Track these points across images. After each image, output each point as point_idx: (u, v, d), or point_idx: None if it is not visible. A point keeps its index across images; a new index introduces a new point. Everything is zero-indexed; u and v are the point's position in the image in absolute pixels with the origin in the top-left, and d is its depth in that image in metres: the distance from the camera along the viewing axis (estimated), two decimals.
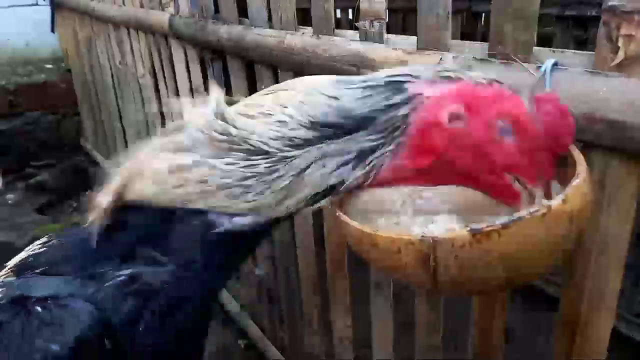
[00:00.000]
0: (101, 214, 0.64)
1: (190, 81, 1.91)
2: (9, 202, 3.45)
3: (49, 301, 0.60)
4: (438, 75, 0.57)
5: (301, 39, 1.13)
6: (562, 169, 0.59)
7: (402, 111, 0.56)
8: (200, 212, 0.61)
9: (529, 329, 2.09)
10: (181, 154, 0.60)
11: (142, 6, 2.17)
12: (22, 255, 0.74)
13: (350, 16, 3.39)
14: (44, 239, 0.76)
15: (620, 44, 0.60)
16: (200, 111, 0.60)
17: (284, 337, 1.82)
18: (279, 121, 0.58)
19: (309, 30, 1.17)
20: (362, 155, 0.57)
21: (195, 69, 1.84)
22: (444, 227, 0.59)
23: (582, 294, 0.73)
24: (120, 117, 2.98)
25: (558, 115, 0.55)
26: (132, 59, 2.49)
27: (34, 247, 0.74)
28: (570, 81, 0.64)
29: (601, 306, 0.73)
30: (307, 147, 0.57)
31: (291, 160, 0.58)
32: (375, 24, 0.97)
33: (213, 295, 0.76)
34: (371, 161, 0.58)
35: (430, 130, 0.56)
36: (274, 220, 0.62)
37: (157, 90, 2.32)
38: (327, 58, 1.04)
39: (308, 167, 0.58)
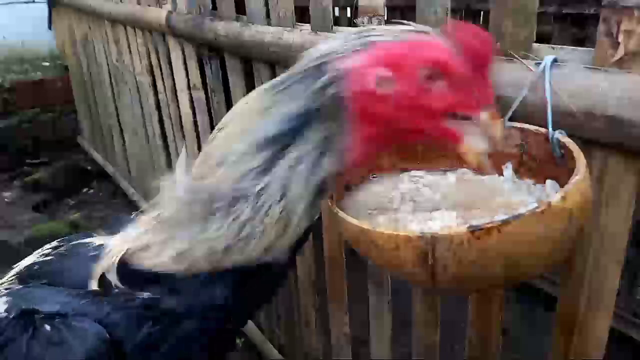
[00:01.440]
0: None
1: (187, 78, 1.91)
2: (5, 200, 3.44)
3: (57, 319, 0.60)
4: (351, 44, 0.56)
5: (299, 35, 1.13)
6: (562, 166, 0.59)
7: (331, 91, 0.55)
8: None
9: (526, 327, 2.09)
10: (172, 233, 0.61)
11: (139, 3, 2.16)
12: (28, 260, 0.74)
13: (349, 14, 3.39)
14: (53, 244, 0.75)
15: (620, 39, 0.59)
16: (172, 195, 0.61)
17: (282, 336, 1.82)
18: (234, 162, 0.58)
19: (307, 27, 1.16)
20: (322, 147, 0.57)
21: (193, 66, 1.83)
22: (443, 224, 0.59)
23: (580, 292, 0.73)
24: (117, 115, 2.97)
25: (471, 36, 0.54)
26: (129, 57, 2.48)
27: (42, 253, 0.73)
28: (569, 77, 0.64)
29: (599, 305, 0.72)
30: (271, 167, 0.57)
31: (267, 188, 0.57)
32: (374, 20, 0.96)
33: (235, 329, 0.75)
34: (333, 147, 0.57)
35: (363, 100, 0.55)
36: (293, 246, 0.61)
37: (154, 87, 2.31)
38: None
39: (286, 185, 0.57)
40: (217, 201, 0.58)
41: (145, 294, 0.63)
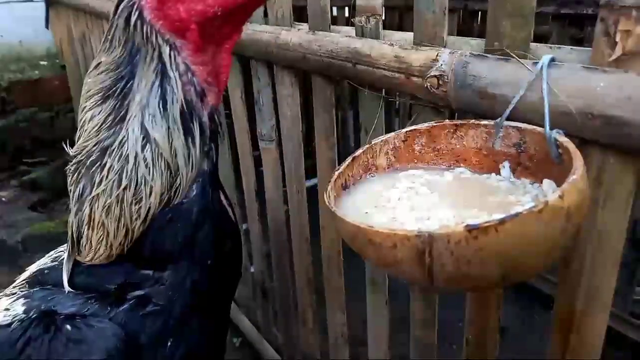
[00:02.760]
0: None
1: None
2: (2, 199, 3.43)
3: (77, 319, 0.61)
4: None
5: (297, 34, 1.13)
6: (559, 165, 0.59)
7: (136, 19, 0.59)
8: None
9: (523, 327, 2.10)
10: (78, 207, 0.66)
11: None
12: (39, 264, 0.75)
13: (347, 14, 3.39)
14: (62, 248, 0.76)
15: (618, 39, 0.59)
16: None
17: (279, 335, 1.82)
18: (90, 119, 0.64)
19: (304, 26, 1.16)
20: (161, 75, 0.59)
21: None
22: (440, 223, 0.59)
23: (578, 292, 0.73)
24: None
25: None
26: None
27: (53, 257, 0.75)
28: (567, 77, 0.64)
29: (597, 304, 0.72)
30: (122, 115, 0.60)
31: (127, 137, 0.60)
32: (372, 20, 0.96)
33: (214, 285, 0.75)
34: (172, 71, 0.59)
35: (165, 11, 0.58)
36: (202, 183, 0.64)
37: None
38: (322, 54, 1.03)
39: (144, 128, 0.60)
40: (88, 158, 0.62)
41: (136, 293, 0.64)
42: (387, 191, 0.67)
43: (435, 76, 0.78)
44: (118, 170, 0.60)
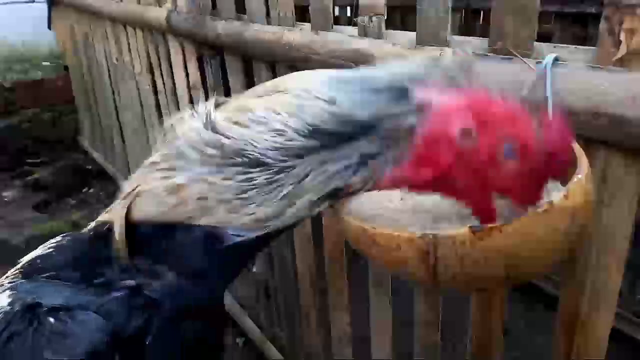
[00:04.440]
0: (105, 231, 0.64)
1: (187, 78, 1.90)
2: (6, 199, 3.44)
3: (61, 312, 0.60)
4: (445, 79, 0.54)
5: (300, 34, 1.13)
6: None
7: (410, 121, 0.53)
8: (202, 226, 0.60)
9: (527, 327, 2.09)
10: (176, 172, 0.59)
11: (139, 2, 2.16)
12: (31, 255, 0.74)
13: (349, 13, 3.38)
14: (57, 239, 0.75)
15: (622, 38, 0.59)
16: (191, 125, 0.59)
17: (282, 335, 1.82)
18: (275, 130, 0.56)
19: (307, 26, 1.16)
20: (363, 162, 0.55)
21: (193, 65, 1.83)
22: (445, 224, 0.58)
23: (582, 292, 0.73)
24: (118, 114, 2.97)
25: (562, 142, 0.52)
26: (129, 56, 2.48)
27: (45, 248, 0.74)
28: (571, 76, 0.64)
29: (601, 304, 0.72)
30: (306, 156, 0.56)
31: (291, 170, 0.56)
32: (374, 19, 0.96)
33: (217, 304, 0.75)
34: (372, 167, 0.56)
35: (438, 144, 0.53)
36: (277, 230, 0.60)
37: (154, 87, 2.30)
38: (325, 54, 1.03)
39: (308, 175, 0.56)
40: (238, 155, 0.57)
41: (127, 282, 0.63)
42: (391, 192, 0.67)
43: None
44: (254, 185, 0.57)
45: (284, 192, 0.56)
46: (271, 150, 0.56)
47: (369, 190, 0.57)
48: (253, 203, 0.57)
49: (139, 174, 0.65)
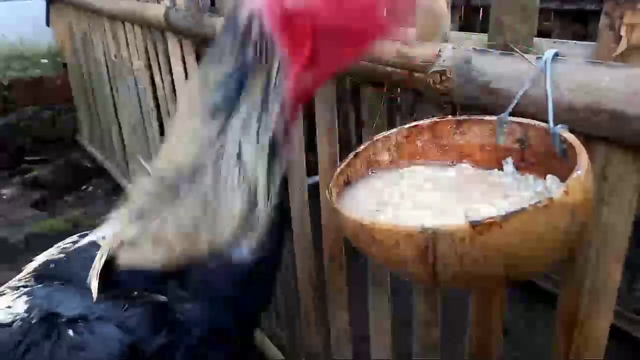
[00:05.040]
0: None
1: (186, 75, 1.90)
2: (4, 197, 3.43)
3: (79, 323, 0.59)
4: None
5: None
6: (563, 161, 0.58)
7: (254, 30, 0.55)
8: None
9: (527, 326, 2.09)
10: (143, 222, 0.61)
11: (138, 0, 2.15)
12: (44, 257, 0.73)
13: None
14: (74, 238, 0.74)
15: (622, 33, 0.58)
16: (139, 181, 0.63)
17: (282, 335, 1.81)
18: (190, 139, 0.58)
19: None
20: (265, 94, 0.56)
21: (192, 62, 1.82)
22: (444, 219, 0.58)
23: (582, 289, 0.73)
24: (116, 112, 2.96)
25: None
26: (128, 53, 2.47)
27: (58, 250, 0.73)
28: (571, 72, 0.63)
29: (600, 303, 0.72)
30: (222, 134, 0.57)
31: (223, 154, 0.57)
32: None
33: (243, 328, 0.74)
34: (274, 91, 0.56)
35: (285, 23, 0.54)
36: (271, 234, 0.60)
37: (152, 84, 2.30)
38: None
39: (239, 146, 0.57)
40: (181, 181, 0.58)
41: (155, 297, 0.62)
42: (390, 187, 0.67)
43: (438, 72, 0.77)
44: (205, 188, 0.57)
45: (236, 178, 0.57)
46: (195, 158, 0.58)
47: (295, 103, 0.58)
48: (221, 206, 0.57)
49: (121, 227, 0.65)
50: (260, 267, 0.63)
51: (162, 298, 0.62)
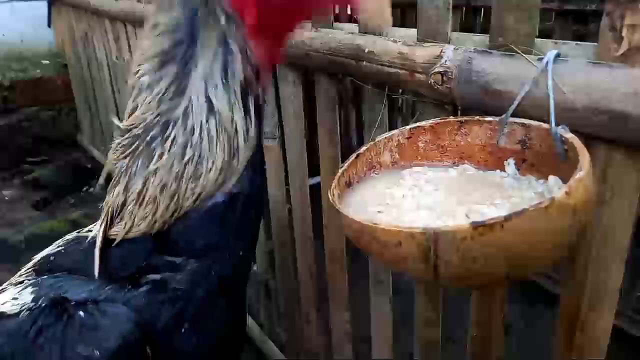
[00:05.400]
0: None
1: None
2: (5, 198, 3.43)
3: (89, 305, 0.60)
4: None
5: (300, 32, 1.12)
6: (565, 161, 0.59)
7: None
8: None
9: (528, 325, 2.09)
10: (127, 183, 0.62)
11: (139, 0, 2.16)
12: (43, 254, 0.73)
13: (349, 10, 3.37)
14: (73, 235, 0.75)
15: (624, 33, 0.59)
16: (113, 144, 0.63)
17: (282, 333, 1.81)
18: (147, 86, 0.58)
19: (307, 23, 1.16)
20: (224, 46, 0.55)
21: None
22: (445, 220, 0.58)
23: (583, 289, 0.73)
24: (118, 113, 2.97)
25: None
26: (129, 54, 2.47)
27: (55, 247, 0.73)
28: (572, 72, 0.63)
29: (602, 301, 0.72)
30: (185, 84, 0.56)
31: (191, 107, 0.56)
32: None
33: (238, 273, 0.73)
34: (233, 44, 0.55)
35: None
36: (251, 168, 0.60)
37: None
38: (325, 51, 1.03)
39: (208, 99, 0.56)
40: (149, 132, 0.57)
41: (151, 277, 0.63)
42: (392, 188, 0.67)
43: (439, 72, 0.78)
44: (182, 143, 0.56)
45: (213, 128, 0.56)
46: (159, 104, 0.57)
47: (262, 60, 0.57)
48: (202, 157, 0.57)
49: (106, 200, 0.65)
50: (241, 204, 0.62)
51: (157, 277, 0.62)
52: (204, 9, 0.55)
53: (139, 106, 0.59)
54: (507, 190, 0.62)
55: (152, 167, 0.58)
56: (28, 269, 0.72)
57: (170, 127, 0.57)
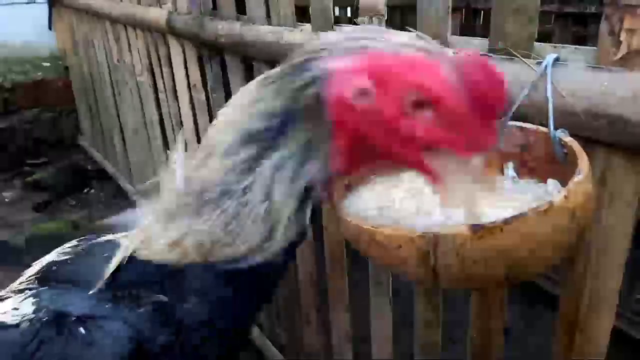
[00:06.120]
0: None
1: (188, 78, 1.90)
2: (6, 200, 3.44)
3: (89, 321, 0.60)
4: (344, 44, 0.52)
5: (300, 35, 1.13)
6: (564, 165, 0.59)
7: (311, 92, 0.52)
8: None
9: (528, 327, 2.09)
10: (169, 226, 0.61)
11: (139, 3, 2.16)
12: (46, 260, 0.73)
13: (349, 14, 3.39)
14: (73, 243, 0.75)
15: (622, 37, 0.59)
16: (170, 187, 0.62)
17: (283, 335, 1.81)
18: (222, 154, 0.57)
19: (307, 26, 1.16)
20: (306, 150, 0.55)
21: (193, 66, 1.83)
22: (445, 223, 0.58)
23: (583, 291, 0.73)
24: (118, 115, 2.97)
25: (486, 79, 0.49)
26: (130, 57, 2.48)
27: (61, 252, 0.73)
28: (571, 76, 0.64)
29: (601, 304, 0.72)
30: (255, 166, 0.56)
31: (251, 187, 0.56)
32: (374, 19, 0.96)
33: (243, 328, 0.75)
34: (317, 151, 0.55)
35: (339, 108, 0.52)
36: (283, 252, 0.60)
37: (154, 87, 2.31)
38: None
39: (271, 188, 0.56)
40: (207, 193, 0.58)
41: (157, 298, 0.63)
42: (391, 191, 0.67)
43: None
44: (231, 215, 0.58)
45: (261, 211, 0.57)
46: (223, 176, 0.57)
47: (338, 175, 0.57)
48: (240, 234, 0.58)
49: (145, 226, 0.66)
50: (263, 276, 0.63)
51: (163, 298, 0.63)
52: (305, 111, 0.54)
53: (206, 167, 0.60)
54: (507, 194, 0.63)
55: (195, 227, 0.59)
56: (30, 276, 0.72)
57: (225, 198, 0.58)
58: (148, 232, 0.64)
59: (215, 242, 0.59)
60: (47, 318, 0.60)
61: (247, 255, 0.59)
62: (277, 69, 0.57)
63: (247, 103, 0.58)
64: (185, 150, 0.64)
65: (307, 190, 0.57)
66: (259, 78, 0.60)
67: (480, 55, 0.52)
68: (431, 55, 0.50)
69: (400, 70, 0.50)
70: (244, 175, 0.57)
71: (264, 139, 0.56)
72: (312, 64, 0.53)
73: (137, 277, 0.64)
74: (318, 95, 0.52)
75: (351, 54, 0.51)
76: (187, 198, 0.60)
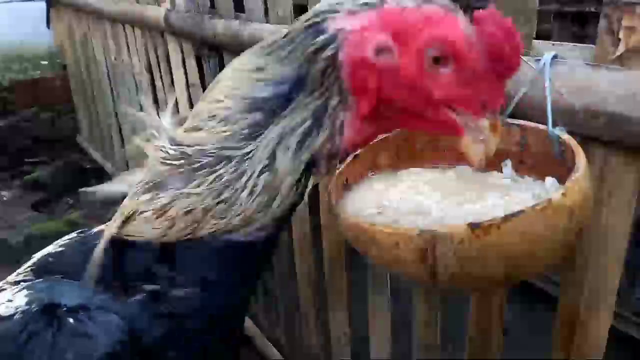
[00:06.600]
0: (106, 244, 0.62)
1: (186, 77, 1.90)
2: (4, 199, 3.43)
3: (80, 312, 0.59)
4: (359, 3, 0.50)
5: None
6: (562, 162, 0.59)
7: (326, 55, 0.50)
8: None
9: (526, 327, 2.09)
10: (159, 192, 0.59)
11: (137, 1, 2.16)
12: (43, 252, 0.73)
13: None
14: (71, 236, 0.74)
15: (621, 36, 0.59)
16: (156, 145, 0.59)
17: (282, 335, 1.81)
18: (222, 119, 0.55)
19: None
20: (317, 118, 0.53)
21: (192, 64, 1.83)
22: (443, 221, 0.58)
23: (581, 292, 0.73)
24: (116, 114, 2.97)
25: (501, 33, 0.48)
26: (128, 55, 2.47)
27: (56, 246, 0.73)
28: (569, 74, 0.64)
29: (600, 304, 0.72)
30: (259, 133, 0.54)
31: (252, 155, 0.54)
32: None
33: (237, 312, 0.73)
34: (328, 120, 0.53)
35: (358, 69, 0.50)
36: (276, 222, 0.59)
37: (153, 86, 2.30)
38: None
39: (273, 155, 0.54)
40: (201, 158, 0.56)
41: (148, 287, 0.62)
42: (389, 190, 0.67)
43: None
44: (224, 183, 0.55)
45: (260, 183, 0.55)
46: (222, 142, 0.55)
47: (343, 150, 0.55)
48: (235, 203, 0.56)
49: (129, 198, 0.64)
50: (255, 249, 0.61)
51: (155, 287, 0.62)
52: (317, 77, 0.52)
53: (203, 129, 0.57)
54: (505, 192, 0.63)
55: (186, 190, 0.57)
56: (26, 268, 0.72)
57: (222, 164, 0.55)
58: (132, 205, 0.61)
59: (207, 210, 0.56)
60: (37, 309, 0.60)
61: (239, 228, 0.57)
62: (281, 34, 0.55)
63: (249, 69, 0.55)
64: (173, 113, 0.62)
65: (311, 162, 0.55)
66: (259, 44, 0.57)
67: (494, 11, 0.50)
68: (448, 10, 0.49)
69: (421, 25, 0.48)
70: (245, 142, 0.54)
71: (269, 107, 0.53)
72: (325, 25, 0.51)
73: (128, 265, 0.63)
74: (334, 58, 0.50)
75: (367, 11, 0.50)
76: (179, 161, 0.57)
